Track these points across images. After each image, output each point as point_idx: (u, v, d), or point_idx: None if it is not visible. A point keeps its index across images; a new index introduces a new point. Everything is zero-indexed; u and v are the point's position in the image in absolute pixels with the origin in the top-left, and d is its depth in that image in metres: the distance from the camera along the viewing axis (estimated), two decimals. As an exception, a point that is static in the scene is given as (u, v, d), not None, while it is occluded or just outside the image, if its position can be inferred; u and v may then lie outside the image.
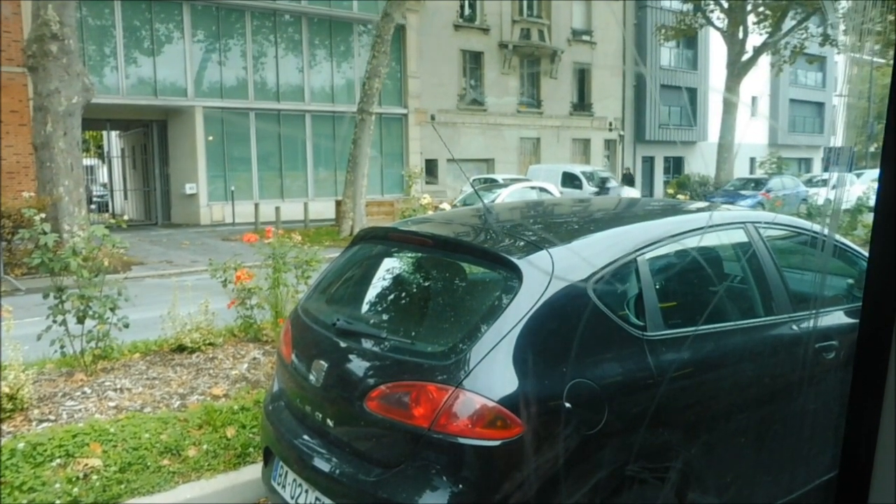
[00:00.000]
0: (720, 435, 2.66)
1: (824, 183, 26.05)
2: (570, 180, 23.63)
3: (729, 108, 26.77)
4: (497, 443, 2.14)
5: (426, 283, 2.86)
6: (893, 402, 1.04)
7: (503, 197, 15.76)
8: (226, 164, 23.27)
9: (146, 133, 24.73)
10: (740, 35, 25.83)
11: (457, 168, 28.31)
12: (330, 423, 2.58)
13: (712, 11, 26.64)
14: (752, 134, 38.26)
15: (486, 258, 2.57)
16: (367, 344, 2.57)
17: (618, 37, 33.21)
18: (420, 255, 2.91)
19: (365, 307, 2.92)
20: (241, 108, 23.32)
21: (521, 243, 2.61)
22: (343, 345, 2.62)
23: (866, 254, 3.81)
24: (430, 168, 27.87)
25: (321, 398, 2.66)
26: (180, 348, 5.31)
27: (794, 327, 3.00)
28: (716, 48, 31.48)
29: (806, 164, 42.87)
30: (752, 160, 37.68)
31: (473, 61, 28.89)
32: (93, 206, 25.84)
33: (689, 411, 2.57)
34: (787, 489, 2.97)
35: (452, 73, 28.18)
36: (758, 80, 35.52)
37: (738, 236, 3.06)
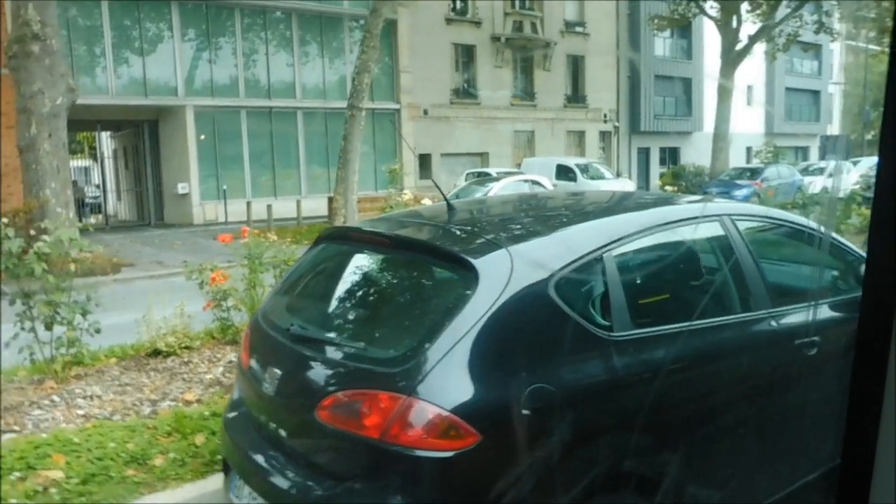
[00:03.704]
0: (694, 438, 2.55)
1: (820, 171, 25.96)
2: (564, 173, 23.49)
3: (723, 97, 26.62)
4: (451, 454, 2.03)
5: (383, 285, 2.75)
6: (894, 394, 1.04)
7: (495, 190, 15.65)
8: (217, 162, 23.13)
9: (137, 133, 24.57)
10: (734, 24, 25.64)
11: (452, 162, 28.19)
12: (283, 433, 2.47)
13: (705, 0, 26.47)
14: (748, 123, 38.08)
15: (443, 258, 2.46)
16: (321, 350, 2.46)
17: (611, 28, 33.02)
18: (379, 255, 2.79)
19: (322, 311, 2.80)
20: (232, 106, 23.17)
21: (481, 242, 2.49)
22: (297, 351, 2.50)
23: (851, 245, 3.69)
24: (424, 163, 27.72)
25: (275, 407, 2.55)
26: (156, 353, 5.20)
27: (773, 323, 2.89)
28: (710, 37, 31.30)
29: (803, 152, 42.70)
30: (749, 149, 37.53)
31: (466, 55, 28.71)
32: (86, 208, 25.62)
33: (661, 414, 2.46)
34: (767, 492, 2.86)
35: (445, 67, 28.00)
36: (753, 68, 35.39)
37: (714, 229, 2.94)
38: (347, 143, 17.37)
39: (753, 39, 25.72)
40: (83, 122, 23.97)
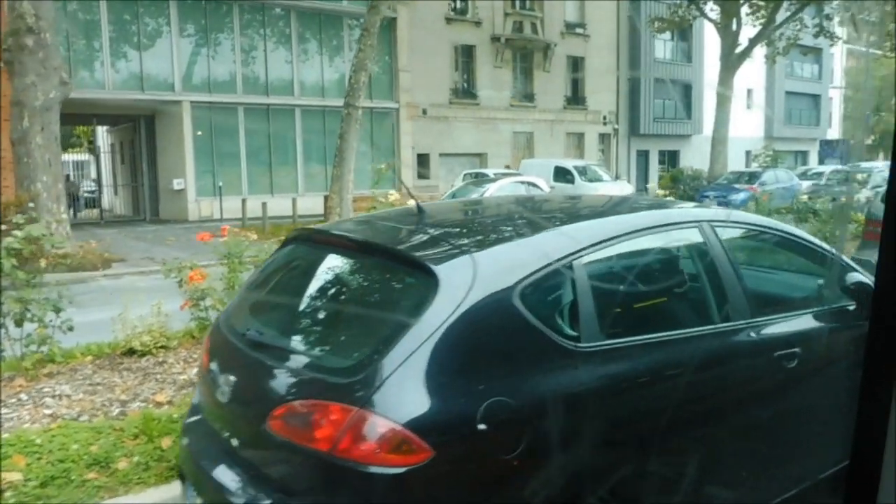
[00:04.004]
0: (664, 455, 2.45)
1: (819, 176, 25.88)
2: (562, 175, 23.37)
3: (722, 100, 26.53)
4: (402, 470, 1.93)
5: (342, 290, 2.64)
6: None
7: (491, 191, 15.54)
8: (214, 159, 23.03)
9: (134, 128, 24.47)
10: (734, 27, 25.54)
11: (450, 163, 28.08)
12: (236, 443, 2.38)
13: (705, 2, 26.35)
14: (748, 127, 37.99)
15: (403, 263, 2.36)
16: (276, 357, 2.36)
17: (612, 29, 32.92)
18: (341, 259, 2.69)
19: (280, 316, 2.70)
20: (230, 102, 23.08)
21: (444, 247, 2.40)
22: (252, 357, 2.41)
23: (837, 252, 3.60)
24: (423, 162, 27.63)
25: (228, 415, 2.45)
26: (131, 352, 5.10)
27: (751, 334, 2.78)
28: (711, 40, 31.20)
29: (802, 156, 42.61)
30: (748, 153, 37.45)
31: (465, 55, 28.61)
32: (79, 202, 25.52)
33: (629, 429, 2.36)
34: None
35: (444, 66, 27.89)
36: (753, 72, 35.30)
37: (692, 236, 2.84)
38: (343, 141, 17.28)
39: (753, 43, 25.61)
40: (79, 116, 23.89)
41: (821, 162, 35.87)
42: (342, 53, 25.40)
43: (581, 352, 2.27)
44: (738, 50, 25.59)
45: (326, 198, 19.58)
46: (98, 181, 26.23)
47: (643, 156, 34.76)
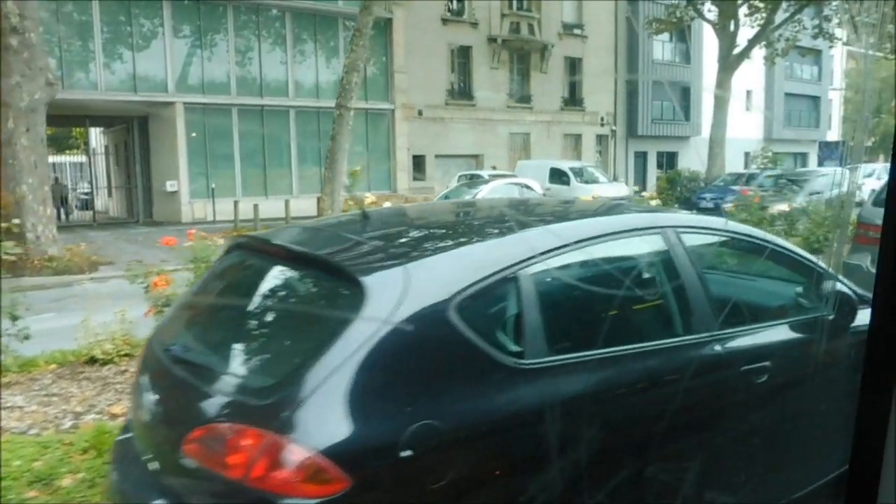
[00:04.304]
0: (614, 480, 2.28)
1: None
2: (557, 176, 23.21)
3: (720, 102, 26.35)
4: (316, 501, 1.76)
5: (270, 303, 2.48)
6: None
7: (484, 193, 15.38)
8: (208, 160, 22.88)
9: (128, 130, 24.34)
10: (731, 28, 25.36)
11: (446, 164, 27.92)
12: (155, 465, 2.21)
13: (703, 3, 26.17)
14: (747, 128, 37.81)
15: (331, 273, 2.20)
16: (198, 375, 2.20)
17: (610, 30, 32.76)
18: (274, 268, 2.52)
19: (207, 330, 2.54)
20: (224, 104, 22.93)
21: (377, 256, 2.24)
22: (174, 374, 2.24)
23: (815, 259, 3.43)
24: (419, 164, 27.48)
25: (150, 436, 2.29)
26: (92, 360, 4.94)
27: (717, 348, 2.62)
28: (710, 42, 31.02)
29: (802, 158, 42.39)
30: (747, 155, 37.24)
31: (462, 56, 28.45)
32: (68, 205, 25.38)
33: (577, 453, 2.19)
34: None
35: (440, 67, 27.74)
36: (752, 73, 35.12)
37: (654, 243, 2.67)
38: (335, 142, 17.12)
39: (751, 44, 25.42)
40: (71, 118, 23.76)
41: (820, 164, 35.63)
42: (337, 55, 25.25)
43: (524, 369, 2.11)
44: (736, 51, 25.41)
45: (319, 199, 19.43)
46: (91, 183, 26.06)
47: (641, 157, 34.57)
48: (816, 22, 26.71)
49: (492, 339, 2.11)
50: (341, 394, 1.84)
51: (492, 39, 28.74)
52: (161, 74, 21.85)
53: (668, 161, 35.53)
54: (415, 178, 27.25)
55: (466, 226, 2.84)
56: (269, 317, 2.40)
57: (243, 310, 2.45)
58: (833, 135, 44.41)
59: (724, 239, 3.01)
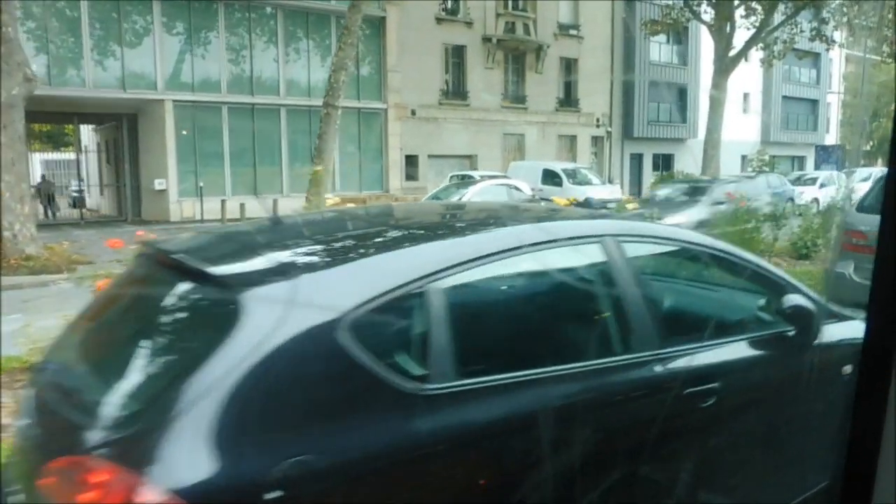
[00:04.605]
0: None
1: (813, 181, 25.48)
2: (550, 178, 23.01)
3: (715, 104, 26.12)
4: None
5: (150, 319, 2.25)
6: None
7: (470, 195, 15.16)
8: (197, 159, 22.66)
9: (118, 127, 24.12)
10: (727, 30, 25.14)
11: (440, 164, 27.69)
12: (20, 498, 1.99)
13: (699, 5, 25.96)
14: (745, 131, 37.61)
15: (209, 286, 1.97)
16: (67, 400, 1.97)
17: (606, 31, 32.54)
18: (160, 279, 2.29)
19: (87, 348, 2.31)
20: (214, 101, 22.72)
21: (266, 268, 2.01)
22: (43, 397, 2.02)
23: (778, 270, 3.21)
24: (411, 164, 27.25)
25: (19, 462, 2.07)
26: (31, 368, 4.71)
27: (657, 368, 2.40)
28: (707, 43, 30.82)
29: (799, 161, 42.20)
30: (744, 157, 37.02)
31: (456, 55, 28.23)
32: (54, 204, 25.16)
33: (483, 487, 1.97)
34: None
35: (434, 67, 27.52)
36: (750, 76, 34.94)
37: (592, 253, 2.45)
38: (322, 142, 16.89)
39: (747, 46, 25.19)
40: (58, 115, 23.54)
41: (817, 167, 35.45)
42: (330, 53, 25.00)
43: (426, 395, 1.89)
44: (732, 53, 25.19)
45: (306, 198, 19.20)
46: (80, 180, 25.82)
47: (636, 159, 34.35)
48: (813, 25, 26.49)
49: (390, 362, 1.89)
50: (207, 425, 1.62)
51: (486, 39, 28.53)
52: (151, 72, 21.64)
53: (664, 163, 35.31)
54: (407, 178, 27.03)
55: (386, 232, 2.61)
56: (146, 335, 2.17)
57: (124, 325, 2.24)
58: (831, 138, 44.22)
59: (674, 248, 2.79)
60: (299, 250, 2.25)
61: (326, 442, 1.71)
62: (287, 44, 24.38)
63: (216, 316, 1.84)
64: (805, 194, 23.00)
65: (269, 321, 1.74)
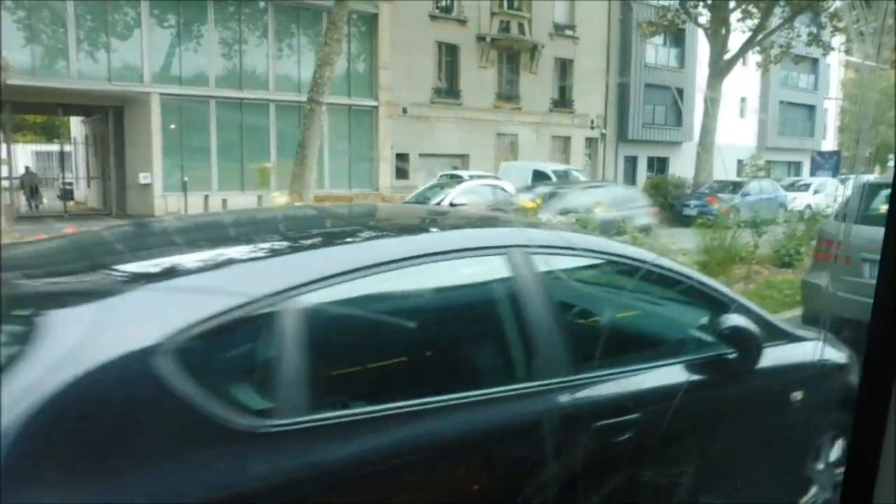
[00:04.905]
0: None
1: (806, 187, 25.25)
2: (540, 179, 22.74)
3: (709, 107, 25.87)
4: None
5: None
6: None
7: (453, 196, 14.89)
8: (183, 153, 22.37)
9: (104, 120, 23.84)
10: (723, 32, 24.88)
11: (431, 163, 27.42)
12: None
13: (695, 7, 25.69)
14: (741, 135, 37.36)
15: (16, 306, 1.70)
16: None
17: (602, 32, 32.27)
18: None
19: None
20: (201, 95, 22.42)
21: (84, 284, 1.74)
22: None
23: (720, 286, 2.95)
24: (402, 163, 26.96)
25: None
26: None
27: (564, 398, 2.13)
28: (705, 47, 30.57)
29: (796, 167, 41.97)
30: (740, 162, 36.76)
31: (449, 54, 27.94)
32: (37, 197, 24.89)
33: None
34: None
35: (427, 65, 27.24)
36: (747, 80, 34.68)
37: (494, 267, 2.18)
38: (305, 138, 16.65)
39: (743, 49, 24.94)
40: (42, 105, 23.26)
41: (813, 173, 35.22)
42: (320, 49, 24.75)
43: (269, 432, 1.62)
44: (728, 56, 24.93)
45: (290, 196, 18.92)
46: (63, 172, 25.55)
47: (631, 162, 34.08)
48: (811, 29, 26.23)
49: (223, 394, 1.62)
50: None
51: (480, 38, 28.24)
52: (136, 64, 21.36)
53: (659, 166, 35.05)
54: (398, 177, 26.74)
55: (243, 242, 2.30)
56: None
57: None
58: (828, 144, 43.98)
59: (598, 262, 2.51)
60: (136, 262, 1.97)
61: (127, 492, 1.44)
62: (279, 39, 24.12)
63: (12, 340, 1.56)
64: (798, 200, 22.75)
65: (65, 347, 1.46)
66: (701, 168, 25.63)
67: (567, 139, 31.80)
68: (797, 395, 2.90)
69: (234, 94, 23.08)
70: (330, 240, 2.20)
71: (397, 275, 1.95)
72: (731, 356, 2.57)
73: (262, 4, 23.60)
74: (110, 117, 23.12)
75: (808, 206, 21.62)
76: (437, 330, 2.09)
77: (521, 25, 29.25)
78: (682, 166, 33.92)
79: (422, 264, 2.01)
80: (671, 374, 2.44)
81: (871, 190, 6.83)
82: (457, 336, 2.12)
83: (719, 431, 2.63)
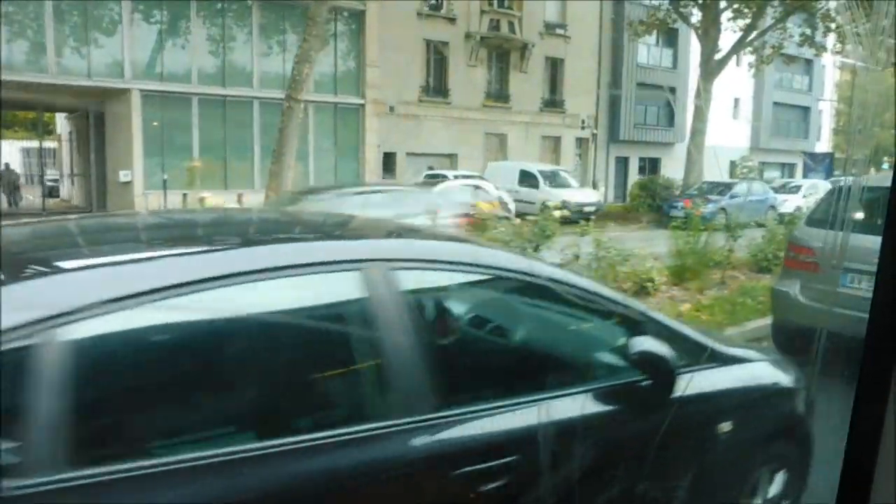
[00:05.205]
0: None
1: (797, 189, 24.98)
2: (527, 179, 22.48)
3: (699, 108, 25.57)
4: None
5: None
6: None
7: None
8: (164, 150, 22.02)
9: (85, 116, 23.52)
10: (713, 32, 24.56)
11: (418, 163, 27.10)
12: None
13: (686, 6, 25.38)
14: (734, 137, 37.09)
15: None
16: None
17: (594, 31, 31.94)
18: None
19: None
20: (183, 92, 22.08)
21: None
22: None
23: (636, 303, 2.64)
24: (389, 162, 26.64)
25: None
26: None
27: (421, 441, 1.81)
28: (697, 47, 30.28)
29: (789, 168, 41.71)
30: (732, 163, 36.51)
31: (438, 52, 27.61)
32: (17, 193, 24.57)
33: None
34: None
35: (415, 63, 26.91)
36: (741, 81, 34.41)
37: (344, 285, 1.86)
38: (282, 136, 16.28)
39: (734, 49, 24.64)
40: (20, 102, 22.91)
41: (805, 175, 34.94)
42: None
43: (9, 497, 1.30)
44: (718, 56, 24.63)
45: (266, 195, 18.57)
46: (44, 169, 25.22)
47: (622, 162, 33.77)
48: (803, 30, 25.95)
49: None
50: None
51: (470, 36, 27.90)
52: (117, 60, 21.01)
53: (650, 167, 34.74)
54: (385, 176, 26.42)
55: (62, 251, 1.99)
56: None
57: None
58: (823, 146, 43.74)
59: (484, 277, 2.19)
60: None
61: None
62: (266, 36, 23.79)
63: None
64: (789, 202, 22.47)
65: None
66: (691, 169, 25.34)
67: (557, 139, 31.48)
68: (725, 427, 2.59)
69: (218, 91, 22.74)
70: (131, 257, 1.85)
71: (202, 298, 1.62)
72: (642, 384, 2.27)
73: (248, 2, 23.26)
74: (91, 114, 22.80)
75: (799, 208, 21.35)
76: (251, 362, 1.76)
77: (511, 24, 28.94)
78: (674, 167, 33.63)
79: (243, 283, 1.68)
80: (562, 406, 2.12)
81: (846, 194, 6.50)
82: (278, 370, 1.80)
83: (628, 471, 2.31)
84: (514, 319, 2.39)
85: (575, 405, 2.11)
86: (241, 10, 23.36)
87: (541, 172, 22.46)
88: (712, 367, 2.67)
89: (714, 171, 28.84)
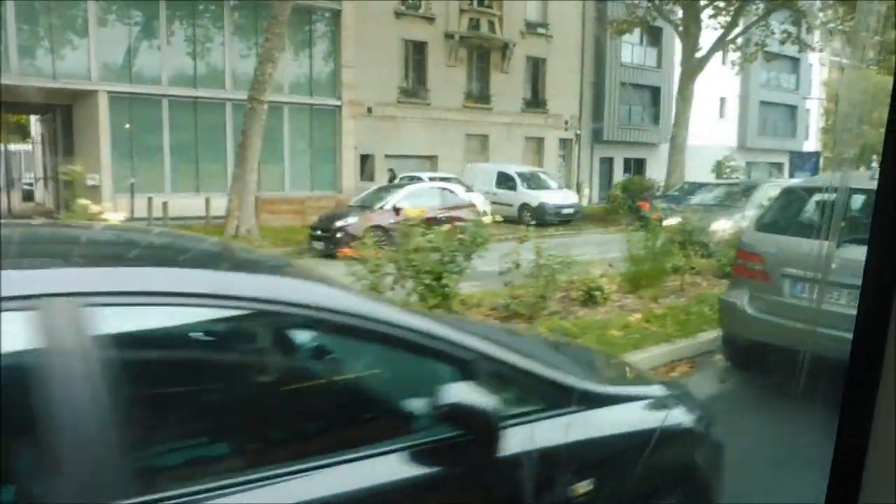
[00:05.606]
0: None
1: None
2: (504, 181, 22.05)
3: (681, 107, 25.16)
4: None
5: None
6: (885, 402, 1.05)
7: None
8: (134, 153, 21.52)
9: (54, 118, 23.01)
10: (694, 30, 24.19)
11: (398, 165, 26.64)
12: None
13: (666, 4, 24.99)
14: (720, 136, 36.74)
15: None
16: None
17: (576, 30, 31.55)
18: None
19: None
20: (153, 94, 21.59)
21: None
22: None
23: (465, 339, 2.19)
24: (367, 164, 26.17)
25: None
26: None
27: None
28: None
29: (777, 167, 41.39)
30: (719, 163, 36.15)
31: (417, 52, 27.16)
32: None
33: None
34: None
35: (393, 63, 26.46)
36: (726, 80, 34.07)
37: (8, 328, 1.41)
38: (246, 138, 15.88)
39: (715, 47, 24.26)
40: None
41: (792, 174, 34.61)
42: (282, 47, 23.93)
43: None
44: (699, 54, 24.25)
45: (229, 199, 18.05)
46: (9, 172, 24.69)
47: (606, 163, 33.37)
48: (785, 27, 25.57)
49: None
50: None
51: (449, 36, 27.48)
52: (83, 61, 20.51)
53: (636, 168, 34.36)
54: (363, 179, 25.95)
55: None
56: None
57: None
58: (811, 145, 43.45)
59: (241, 312, 1.72)
60: None
61: None
62: (238, 37, 23.31)
63: None
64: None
65: None
66: (673, 169, 24.94)
67: (540, 140, 31.06)
68: (581, 487, 2.13)
69: (189, 93, 22.25)
70: None
71: None
72: (463, 438, 1.82)
73: (222, 3, 22.78)
74: (58, 116, 22.28)
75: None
76: None
77: (491, 23, 28.53)
78: (660, 168, 33.25)
79: None
80: (339, 476, 1.67)
81: (797, 196, 6.08)
82: None
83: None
84: (285, 366, 1.93)
85: (345, 475, 1.65)
86: (216, 10, 22.89)
87: (519, 174, 22.02)
88: (573, 412, 2.23)
89: (698, 171, 28.45)
